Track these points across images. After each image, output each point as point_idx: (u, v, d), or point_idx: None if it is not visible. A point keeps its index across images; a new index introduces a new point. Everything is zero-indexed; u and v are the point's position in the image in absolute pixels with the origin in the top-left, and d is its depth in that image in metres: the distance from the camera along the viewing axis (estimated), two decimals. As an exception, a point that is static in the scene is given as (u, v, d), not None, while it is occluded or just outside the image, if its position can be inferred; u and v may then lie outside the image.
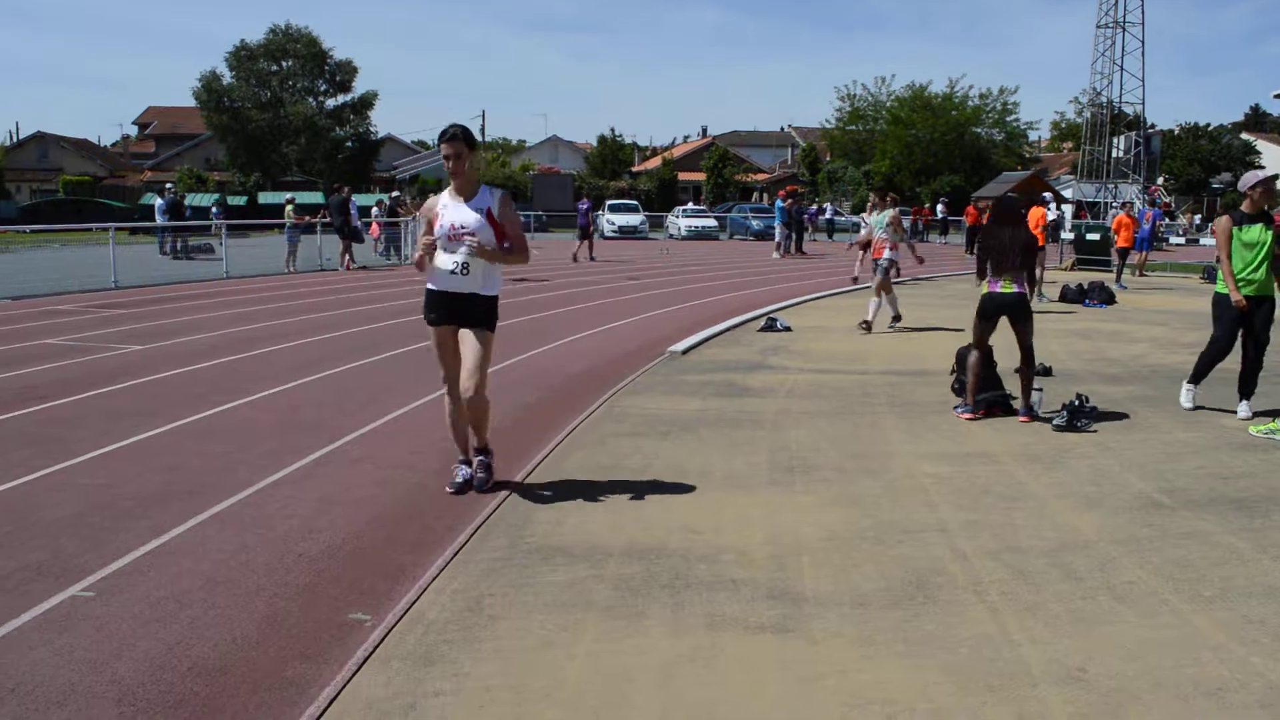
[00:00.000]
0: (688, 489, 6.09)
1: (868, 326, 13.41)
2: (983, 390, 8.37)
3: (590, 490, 6.07)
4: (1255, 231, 8.05)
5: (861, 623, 4.15)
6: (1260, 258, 8.04)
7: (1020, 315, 7.96)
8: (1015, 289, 7.92)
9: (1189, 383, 8.60)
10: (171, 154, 72.05)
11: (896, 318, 13.90)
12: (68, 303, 16.54)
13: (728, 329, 13.59)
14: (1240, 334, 8.21)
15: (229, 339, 12.38)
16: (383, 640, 4.02)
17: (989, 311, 8.06)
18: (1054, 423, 7.70)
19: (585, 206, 30.31)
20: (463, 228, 5.72)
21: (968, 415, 8.02)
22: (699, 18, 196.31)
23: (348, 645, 4.00)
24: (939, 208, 45.67)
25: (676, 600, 4.37)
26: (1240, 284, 8.06)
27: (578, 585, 4.55)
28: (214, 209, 36.13)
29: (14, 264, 26.17)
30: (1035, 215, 22.91)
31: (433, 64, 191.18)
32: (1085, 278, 20.84)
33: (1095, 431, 7.61)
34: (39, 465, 6.53)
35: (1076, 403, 7.86)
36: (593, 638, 4.04)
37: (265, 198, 52.92)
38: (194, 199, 48.07)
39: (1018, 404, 8.13)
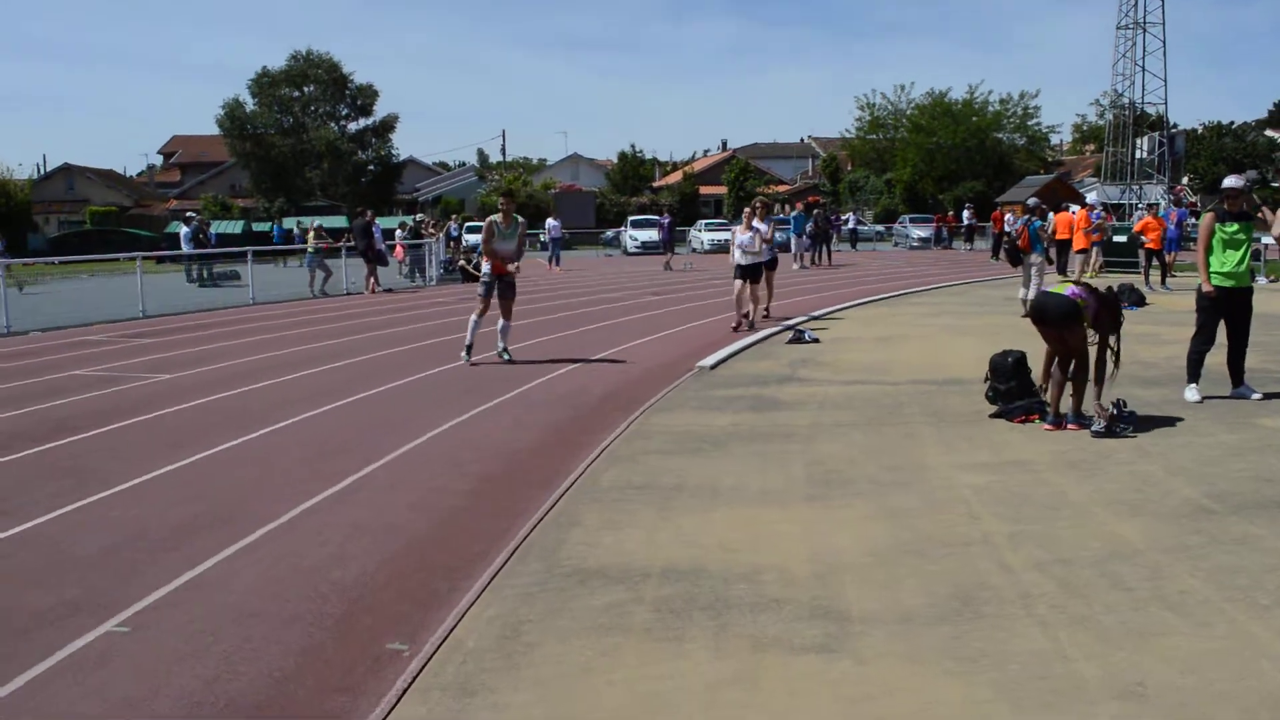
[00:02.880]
0: (723, 506, 6.01)
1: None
2: (1020, 396, 8.24)
3: (624, 509, 6.00)
4: (1235, 228, 8.66)
5: (909, 641, 4.05)
6: (1241, 254, 8.68)
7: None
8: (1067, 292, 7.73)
9: (1189, 383, 8.86)
10: (196, 182, 72.81)
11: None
12: (97, 333, 16.65)
13: (756, 342, 13.51)
14: (1224, 325, 8.78)
15: (256, 365, 12.41)
16: (421, 670, 3.95)
17: (1037, 315, 7.95)
18: (1092, 428, 7.55)
19: (667, 221, 34.63)
20: None
21: (1050, 427, 7.79)
22: (716, 30, 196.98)
23: (385, 676, 3.93)
24: (965, 214, 45.40)
25: (718, 622, 4.28)
26: (1223, 277, 8.66)
27: (616, 609, 4.47)
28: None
29: (44, 296, 26.40)
30: (1077, 218, 22.77)
31: (452, 85, 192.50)
32: (1115, 280, 20.61)
33: (1134, 436, 7.47)
34: (71, 499, 6.52)
35: (1115, 410, 7.71)
36: (633, 663, 3.96)
37: (289, 223, 53.32)
38: (220, 226, 48.54)
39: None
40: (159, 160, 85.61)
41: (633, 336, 14.54)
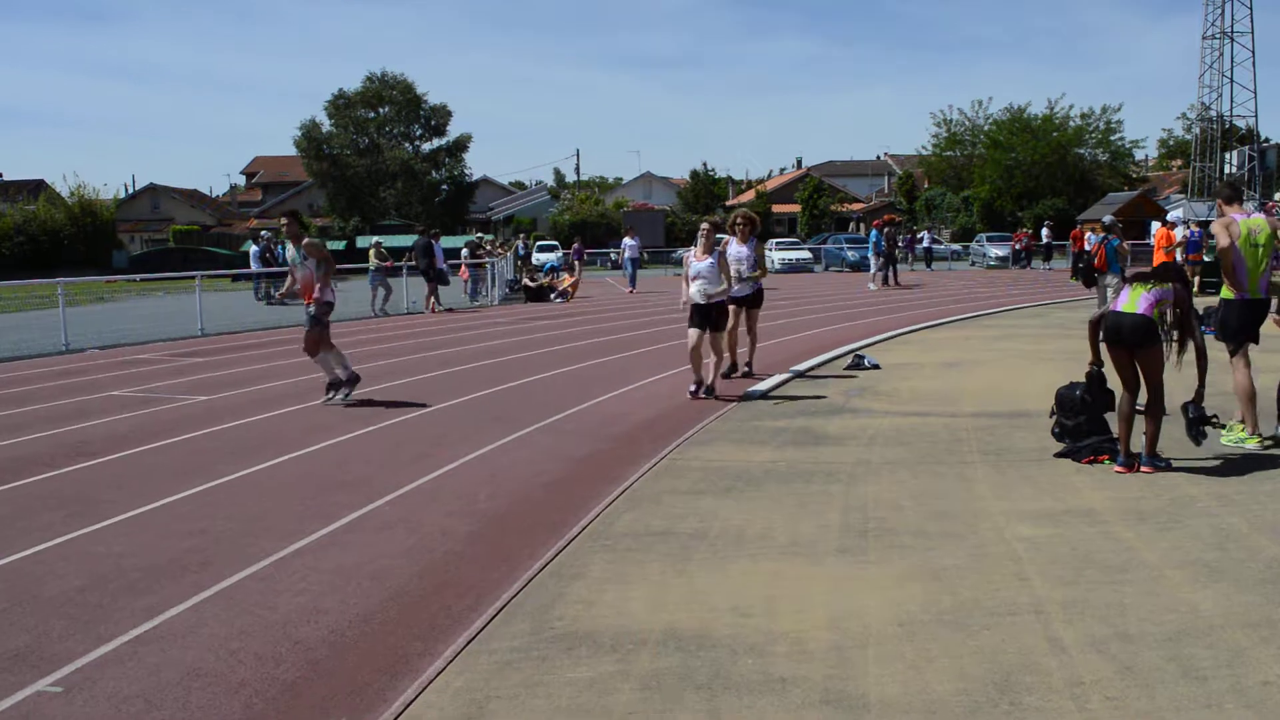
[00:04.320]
0: (745, 558, 5.41)
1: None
2: (1090, 434, 7.51)
3: (635, 559, 5.44)
4: None
5: (932, 739, 3.43)
6: None
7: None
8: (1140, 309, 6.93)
9: None
10: (276, 201, 74.16)
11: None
12: (151, 351, 16.60)
13: (812, 368, 12.84)
14: None
15: (298, 388, 12.11)
16: (362, 756, 3.44)
17: (1113, 337, 7.10)
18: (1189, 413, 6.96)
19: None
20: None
21: (1122, 469, 7.04)
22: (790, 48, 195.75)
23: (320, 763, 3.43)
24: (1044, 232, 43.99)
25: (710, 707, 3.69)
26: None
27: (599, 685, 3.91)
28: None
29: (114, 313, 26.76)
30: (1157, 236, 21.60)
31: (527, 105, 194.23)
32: (1202, 301, 19.46)
33: (1219, 469, 6.68)
34: (62, 530, 6.18)
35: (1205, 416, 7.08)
36: (606, 755, 3.40)
37: (363, 241, 53.84)
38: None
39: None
40: (242, 180, 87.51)
41: (687, 360, 13.94)
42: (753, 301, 12.22)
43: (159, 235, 67.17)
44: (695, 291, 10.44)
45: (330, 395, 10.86)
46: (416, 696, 3.87)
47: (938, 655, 4.06)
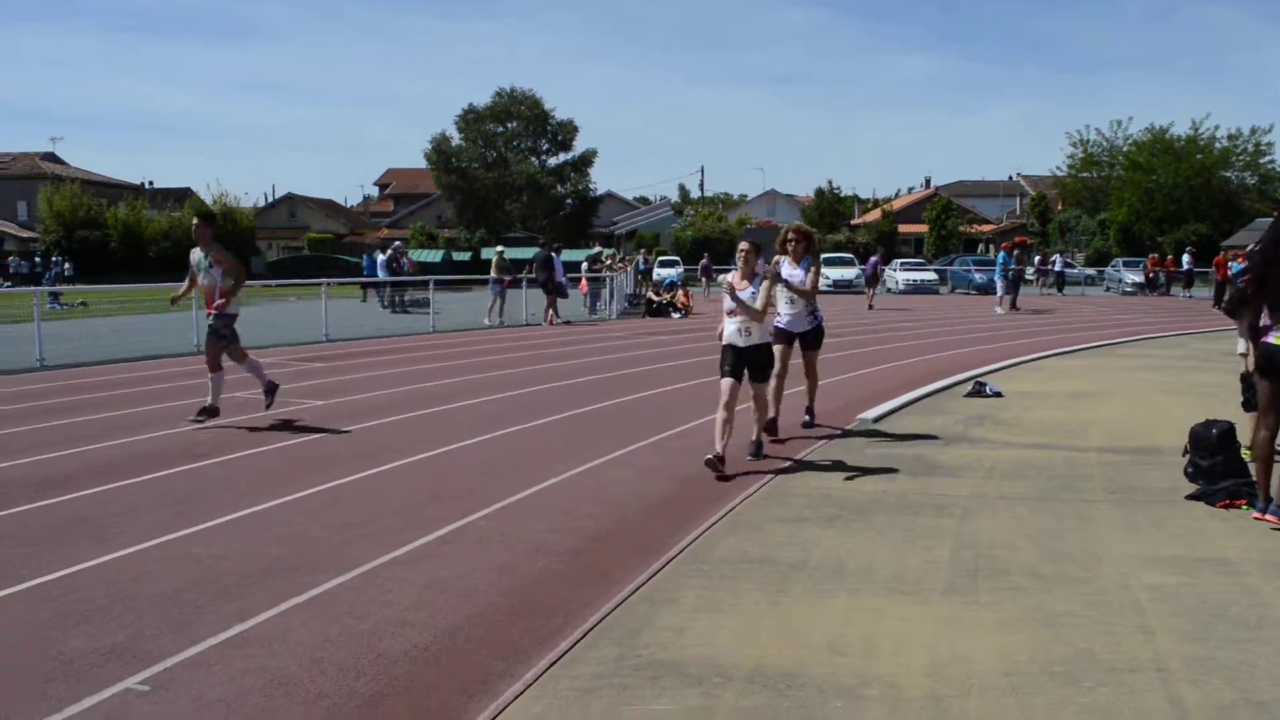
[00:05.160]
0: (846, 592, 5.17)
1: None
2: (1226, 476, 7.01)
3: (730, 587, 5.25)
4: None
5: (1035, 805, 3.16)
6: None
7: None
8: None
9: None
10: (407, 212, 76.18)
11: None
12: (276, 355, 17.08)
13: (929, 394, 12.40)
14: None
15: (412, 395, 12.27)
16: (430, 781, 3.35)
17: (1265, 367, 6.45)
18: None
19: (875, 260, 35.19)
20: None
21: (1261, 515, 6.41)
22: (918, 66, 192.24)
23: (387, 785, 3.35)
24: (1185, 258, 42.04)
25: (794, 752, 3.49)
26: None
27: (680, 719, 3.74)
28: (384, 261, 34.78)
29: (247, 316, 27.70)
30: None
31: (652, 121, 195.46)
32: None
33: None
34: (166, 530, 6.31)
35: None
36: (681, 798, 3.23)
37: (488, 253, 54.81)
38: (422, 255, 50.33)
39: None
40: (375, 191, 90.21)
41: (798, 382, 13.64)
42: (811, 340, 9.82)
43: (295, 243, 69.68)
44: (733, 331, 8.23)
45: (199, 417, 9.98)
46: (494, 719, 3.76)
47: (1045, 713, 3.76)
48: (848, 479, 7.74)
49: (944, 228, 64.45)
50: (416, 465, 8.30)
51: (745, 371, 8.21)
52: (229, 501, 7.01)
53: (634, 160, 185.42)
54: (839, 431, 9.79)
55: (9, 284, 27.08)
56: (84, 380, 13.96)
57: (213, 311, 10.23)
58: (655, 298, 29.55)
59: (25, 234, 64.70)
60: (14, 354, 16.93)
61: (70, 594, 5.19)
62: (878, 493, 7.29)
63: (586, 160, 65.32)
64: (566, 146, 64.86)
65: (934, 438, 9.44)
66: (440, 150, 62.29)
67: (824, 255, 49.42)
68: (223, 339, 10.22)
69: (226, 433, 9.64)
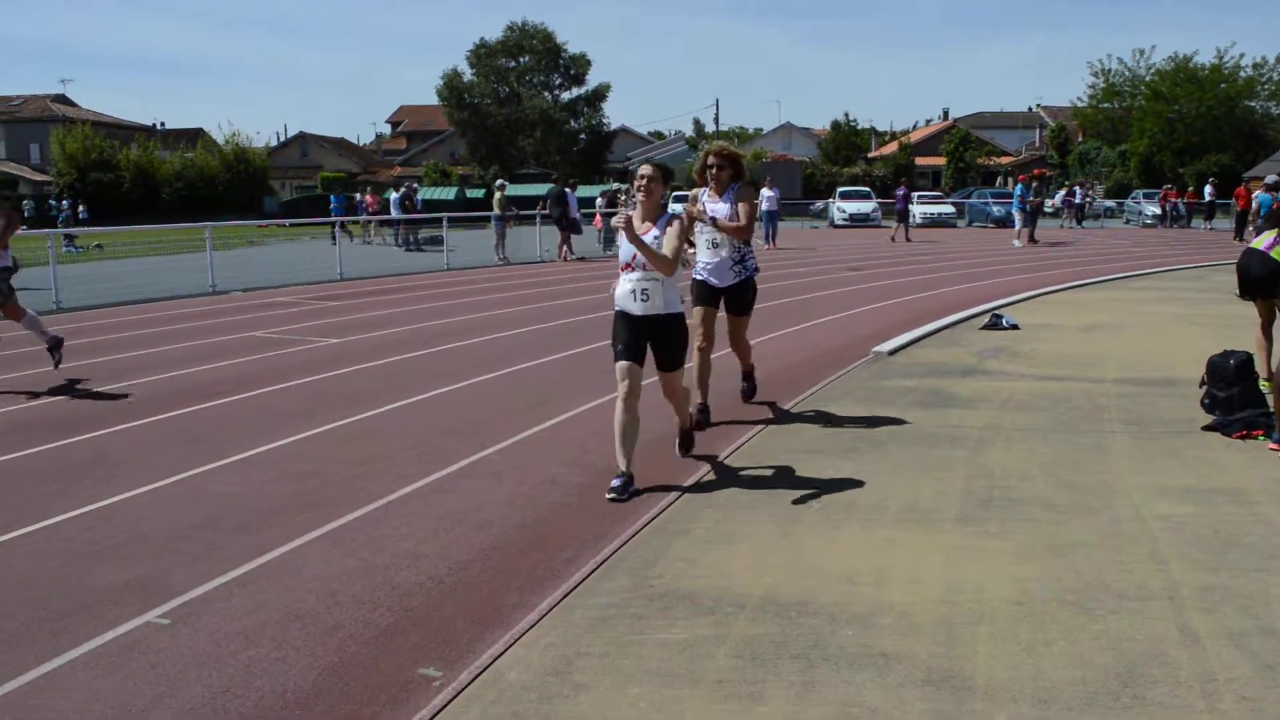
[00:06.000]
0: (857, 523, 5.18)
1: None
2: (1243, 407, 6.97)
3: (743, 519, 5.26)
4: None
5: (1044, 729, 3.18)
6: None
7: None
8: None
9: None
10: (419, 150, 75.69)
11: None
12: (290, 295, 17.11)
13: (945, 326, 12.33)
14: None
15: (424, 333, 12.28)
16: (445, 707, 3.39)
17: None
18: None
19: (903, 193, 34.24)
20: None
21: (1278, 446, 6.42)
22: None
23: (402, 711, 3.39)
24: (1207, 190, 41.43)
25: (806, 679, 3.51)
26: None
27: (692, 648, 3.77)
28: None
29: (261, 256, 27.76)
30: None
31: (666, 54, 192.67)
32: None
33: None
34: (183, 467, 6.36)
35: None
36: (693, 724, 3.26)
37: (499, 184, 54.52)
38: (435, 193, 50.14)
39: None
40: (387, 129, 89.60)
41: (814, 315, 13.61)
42: (737, 298, 7.50)
43: (308, 182, 69.46)
44: (627, 292, 5.92)
45: (56, 358, 9.51)
46: (505, 650, 3.80)
47: (1056, 638, 3.78)
48: (862, 411, 7.72)
49: (962, 160, 63.63)
50: (430, 401, 8.33)
51: (649, 352, 5.96)
52: (244, 439, 7.06)
53: (648, 95, 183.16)
54: (858, 362, 9.75)
55: (24, 228, 27.37)
56: (100, 322, 14.03)
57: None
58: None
59: (39, 177, 64.66)
60: (31, 297, 16.99)
61: (89, 531, 5.26)
62: (892, 425, 7.28)
63: (600, 95, 64.62)
64: (579, 81, 64.14)
65: (950, 370, 9.40)
66: (452, 87, 61.69)
67: (841, 189, 48.92)
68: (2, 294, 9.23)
69: (243, 372, 9.68)
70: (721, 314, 7.55)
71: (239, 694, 3.53)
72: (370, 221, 33.63)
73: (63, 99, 74.23)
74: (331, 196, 41.78)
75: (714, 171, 7.32)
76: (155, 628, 4.08)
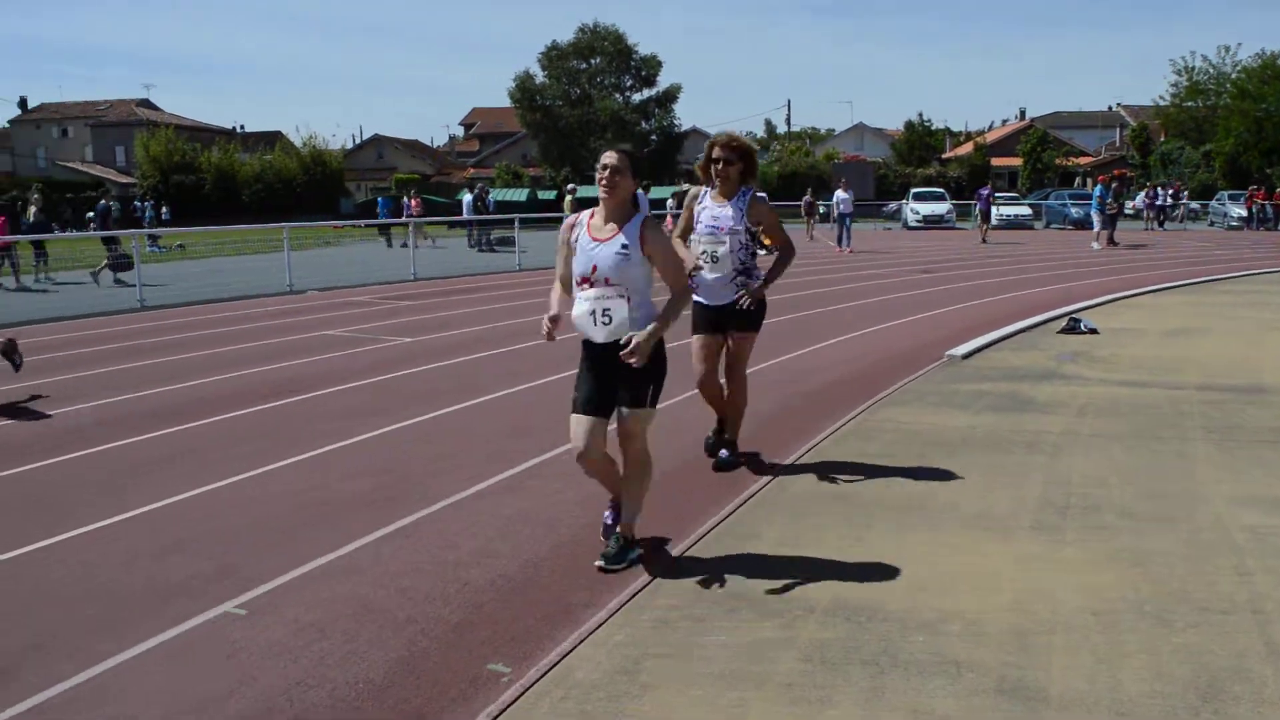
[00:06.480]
0: (928, 528, 5.11)
1: None
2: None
3: (811, 523, 5.23)
4: None
5: (1121, 742, 3.11)
6: None
7: None
8: None
9: None
10: (492, 151, 76.45)
11: None
12: (365, 294, 17.41)
13: (1022, 330, 12.10)
14: None
15: (495, 333, 12.40)
16: (514, 703, 3.43)
17: None
18: None
19: (986, 193, 34.32)
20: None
21: None
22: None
23: (471, 706, 3.43)
24: (1297, 191, 40.14)
25: (875, 684, 3.48)
26: None
27: (759, 650, 3.76)
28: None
29: (337, 256, 28.27)
30: None
31: (737, 55, 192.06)
32: None
33: None
34: (259, 463, 6.51)
35: None
36: (760, 727, 3.25)
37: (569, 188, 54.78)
38: (504, 194, 50.59)
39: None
40: (460, 131, 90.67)
41: (887, 318, 13.46)
42: (740, 313, 6.19)
43: (382, 184, 70.51)
44: (585, 313, 4.68)
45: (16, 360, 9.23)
46: (574, 648, 3.83)
47: (1135, 650, 3.69)
48: (936, 415, 7.62)
49: (1039, 161, 62.38)
50: (500, 400, 8.40)
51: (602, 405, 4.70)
52: (319, 436, 7.20)
53: (718, 95, 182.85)
54: (932, 365, 9.62)
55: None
56: (181, 320, 14.41)
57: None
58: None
59: (124, 179, 66.62)
60: (116, 295, 17.54)
61: (173, 522, 5.41)
62: (967, 429, 7.17)
63: (671, 96, 64.58)
64: (650, 82, 64.16)
65: (1026, 374, 9.23)
66: (524, 89, 62.17)
67: (914, 190, 48.25)
68: None
69: (318, 370, 9.87)
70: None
71: (313, 684, 3.60)
72: (411, 224, 33.82)
73: (147, 103, 76.47)
74: (379, 199, 42.64)
75: (719, 167, 6.02)
76: (233, 618, 4.18)
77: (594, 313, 4.60)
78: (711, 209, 6.10)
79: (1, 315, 14.69)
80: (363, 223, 40.51)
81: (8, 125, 79.72)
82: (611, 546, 4.71)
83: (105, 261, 20.23)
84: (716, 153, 6.03)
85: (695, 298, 6.15)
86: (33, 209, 22.45)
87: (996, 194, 46.10)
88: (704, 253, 6.08)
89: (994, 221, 38.92)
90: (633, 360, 4.41)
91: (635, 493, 4.85)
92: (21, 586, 4.58)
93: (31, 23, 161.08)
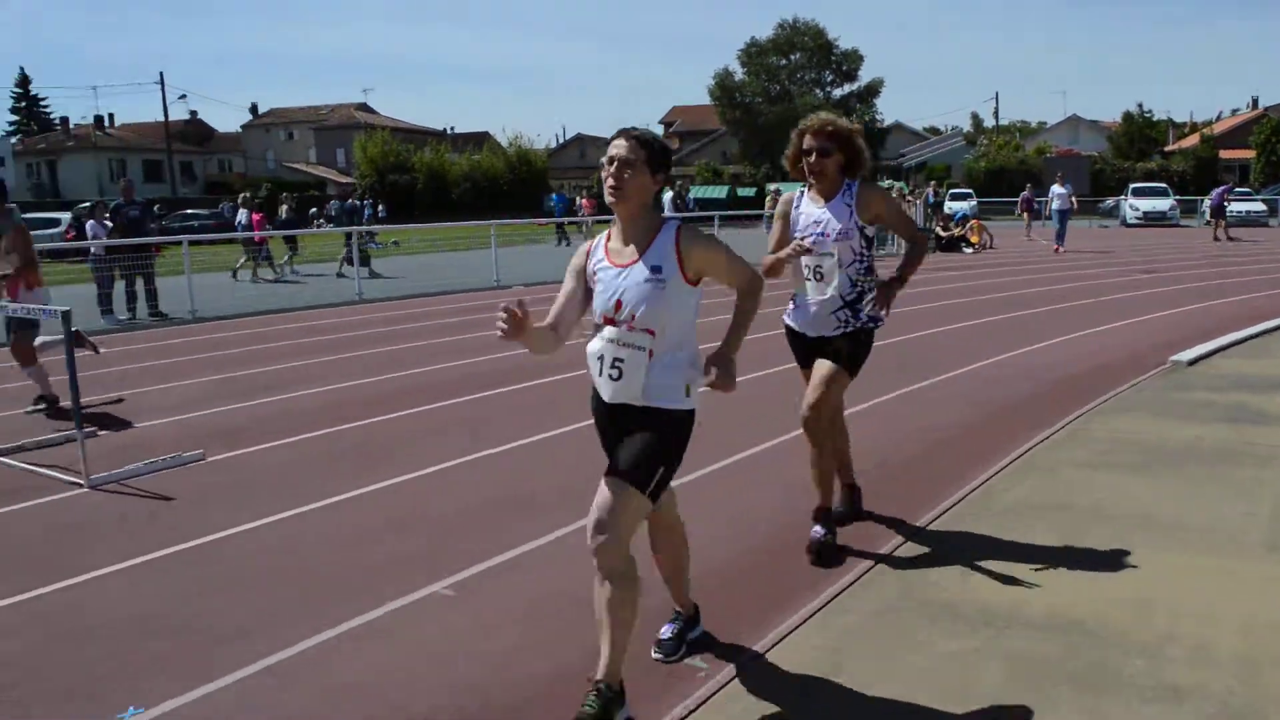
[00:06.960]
0: (1149, 545, 4.83)
1: None
2: None
3: (1020, 533, 5.03)
4: None
5: (1369, 786, 2.86)
6: None
7: None
8: None
9: None
10: (691, 149, 76.91)
11: None
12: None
13: (1254, 335, 11.25)
14: None
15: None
16: (709, 699, 3.46)
17: None
18: None
19: (1223, 189, 33.48)
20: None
21: None
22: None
23: (669, 698, 3.49)
24: None
25: (1085, 705, 3.32)
26: None
27: (961, 661, 3.65)
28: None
29: (542, 252, 29.10)
30: None
31: (942, 47, 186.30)
32: None
33: None
34: (466, 451, 6.82)
35: None
36: (963, 741, 3.17)
37: (773, 189, 54.58)
38: (707, 191, 50.89)
39: None
40: (660, 130, 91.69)
41: (1106, 320, 12.79)
42: (843, 350, 4.97)
43: (585, 182, 72.15)
44: (592, 356, 3.62)
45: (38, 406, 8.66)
46: (771, 648, 3.83)
47: (1386, 687, 3.39)
48: (1158, 424, 7.19)
49: (1274, 153, 57.80)
50: (704, 396, 8.44)
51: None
52: (523, 428, 7.45)
53: (923, 89, 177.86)
54: (1153, 371, 9.09)
55: (329, 224, 30.52)
56: (395, 313, 15.19)
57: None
58: (944, 232, 28.46)
59: (343, 179, 70.72)
60: (336, 288, 18.67)
61: (382, 507, 5.74)
62: (1193, 440, 6.73)
63: (873, 90, 63.32)
64: (851, 77, 63.09)
65: (1258, 383, 8.59)
66: (723, 86, 62.30)
67: (1133, 185, 45.63)
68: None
69: (521, 364, 10.20)
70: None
71: (511, 667, 3.75)
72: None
73: (364, 107, 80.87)
74: (554, 195, 43.79)
75: (812, 160, 4.74)
76: (441, 597, 4.40)
77: (603, 357, 3.49)
78: (811, 213, 4.86)
79: (261, 304, 15.93)
80: (567, 220, 41.68)
81: (240, 129, 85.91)
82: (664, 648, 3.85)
83: (343, 255, 21.98)
84: (807, 142, 4.73)
85: (788, 322, 5.14)
86: (284, 208, 24.82)
87: (1237, 189, 43.03)
88: (810, 267, 4.88)
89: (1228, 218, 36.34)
90: (722, 388, 3.59)
91: (677, 577, 3.91)
92: (258, 561, 4.96)
93: (259, 35, 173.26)
